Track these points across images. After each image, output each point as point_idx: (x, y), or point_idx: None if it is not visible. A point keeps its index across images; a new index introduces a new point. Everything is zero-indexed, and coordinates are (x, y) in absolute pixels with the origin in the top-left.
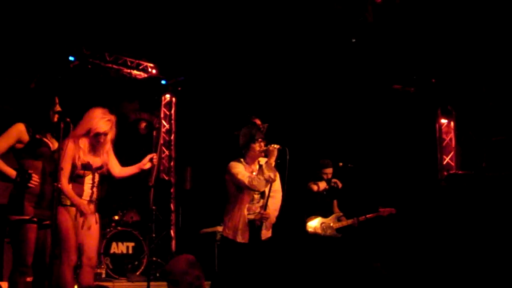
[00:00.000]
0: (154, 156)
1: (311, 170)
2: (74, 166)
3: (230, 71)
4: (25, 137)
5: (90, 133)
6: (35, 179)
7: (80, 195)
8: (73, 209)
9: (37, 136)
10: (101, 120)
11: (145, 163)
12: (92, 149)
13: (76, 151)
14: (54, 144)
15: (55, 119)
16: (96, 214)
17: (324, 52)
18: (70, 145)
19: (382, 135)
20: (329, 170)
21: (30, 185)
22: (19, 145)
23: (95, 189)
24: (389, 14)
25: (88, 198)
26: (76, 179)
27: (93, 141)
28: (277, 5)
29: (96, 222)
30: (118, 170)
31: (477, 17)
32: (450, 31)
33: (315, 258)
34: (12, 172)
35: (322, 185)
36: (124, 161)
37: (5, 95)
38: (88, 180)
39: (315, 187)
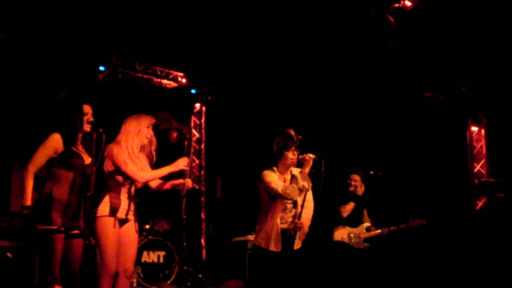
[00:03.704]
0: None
1: (341, 179)
2: (118, 171)
3: (261, 80)
4: (61, 147)
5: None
6: None
7: (117, 206)
8: (112, 218)
9: (72, 148)
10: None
11: (178, 182)
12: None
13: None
14: (86, 157)
15: (88, 129)
16: (136, 223)
17: (356, 61)
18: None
19: (413, 143)
20: (357, 177)
21: None
22: (54, 155)
23: (132, 200)
24: (420, 22)
25: (126, 208)
26: (115, 188)
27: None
28: (309, 15)
29: (136, 232)
30: (154, 183)
31: (508, 25)
32: (481, 38)
33: (343, 268)
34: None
35: (350, 207)
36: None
37: (39, 105)
38: (124, 190)
39: (343, 212)
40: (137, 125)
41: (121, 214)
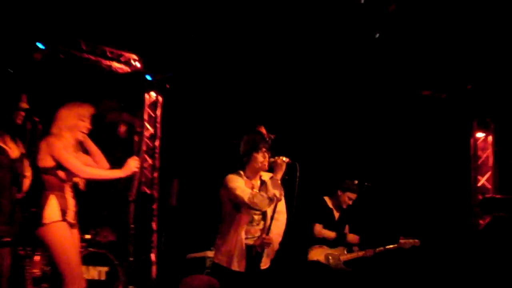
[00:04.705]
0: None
1: (330, 189)
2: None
3: (228, 68)
4: None
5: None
6: None
7: (66, 207)
8: (65, 223)
9: None
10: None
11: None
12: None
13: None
14: (14, 150)
15: (19, 121)
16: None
17: (343, 49)
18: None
19: (407, 149)
20: (354, 196)
21: None
22: None
23: (76, 201)
24: (418, 9)
25: (73, 209)
26: (57, 186)
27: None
28: None
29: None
30: None
31: None
32: (490, 29)
33: None
34: None
35: (329, 234)
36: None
37: None
38: (68, 189)
39: (317, 233)
40: (70, 116)
41: (70, 217)
